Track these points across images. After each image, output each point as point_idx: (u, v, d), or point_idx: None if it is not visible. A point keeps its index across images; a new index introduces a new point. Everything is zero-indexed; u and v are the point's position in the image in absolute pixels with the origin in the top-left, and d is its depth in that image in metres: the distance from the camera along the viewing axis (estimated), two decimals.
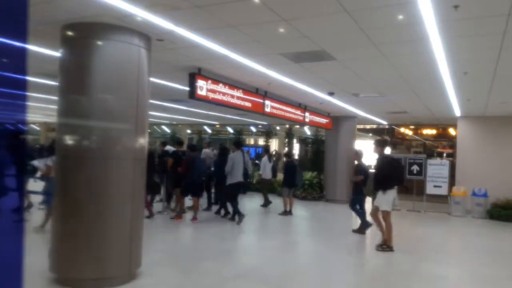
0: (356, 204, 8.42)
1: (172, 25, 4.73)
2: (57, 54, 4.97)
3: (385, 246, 6.94)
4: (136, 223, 4.92)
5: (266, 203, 11.58)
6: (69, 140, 4.65)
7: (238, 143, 9.57)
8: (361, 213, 8.42)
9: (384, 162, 7.09)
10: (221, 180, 9.27)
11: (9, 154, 7.70)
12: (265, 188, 11.93)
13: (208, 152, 10.75)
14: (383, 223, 7.09)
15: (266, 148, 12.82)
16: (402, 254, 6.93)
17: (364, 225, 8.30)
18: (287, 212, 10.32)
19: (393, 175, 6.96)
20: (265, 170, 11.53)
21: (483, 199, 11.32)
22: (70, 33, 4.70)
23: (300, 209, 11.32)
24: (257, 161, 13.49)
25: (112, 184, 4.66)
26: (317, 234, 8.63)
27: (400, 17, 4.26)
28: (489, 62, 5.90)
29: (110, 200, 4.65)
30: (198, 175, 8.85)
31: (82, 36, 4.71)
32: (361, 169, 8.36)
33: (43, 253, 4.85)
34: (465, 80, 7.07)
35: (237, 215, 8.90)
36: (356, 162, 8.37)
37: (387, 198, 6.94)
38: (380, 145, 7.33)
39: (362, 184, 8.31)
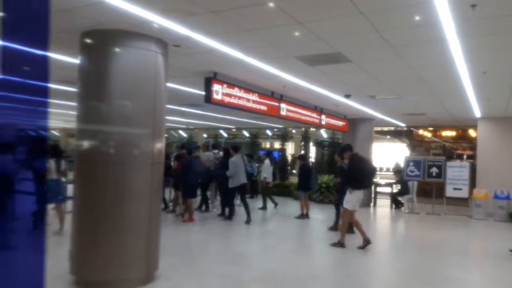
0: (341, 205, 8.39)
1: (188, 31, 4.79)
2: (76, 61, 5.09)
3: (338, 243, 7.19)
4: (153, 226, 4.98)
5: (264, 206, 11.59)
6: (88, 145, 4.75)
7: (236, 148, 9.89)
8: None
9: (354, 164, 7.22)
10: (224, 182, 9.61)
11: (30, 159, 7.87)
12: (265, 191, 11.86)
13: (208, 155, 10.80)
14: (359, 223, 7.25)
15: (267, 152, 12.82)
16: (423, 258, 6.82)
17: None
18: (303, 216, 10.28)
19: (361, 177, 7.09)
20: (267, 173, 11.53)
21: (506, 202, 11.06)
22: (88, 40, 4.80)
23: (317, 213, 11.26)
24: (256, 164, 13.45)
25: (130, 188, 4.73)
26: (333, 237, 8.56)
27: (416, 17, 4.23)
28: (508, 61, 5.80)
29: (128, 204, 4.72)
30: (194, 177, 9.18)
31: (100, 43, 4.80)
32: (341, 170, 8.34)
33: (63, 256, 4.94)
34: (484, 80, 6.94)
35: (247, 216, 9.28)
36: (339, 164, 8.42)
37: (353, 198, 7.09)
38: (343, 151, 7.66)
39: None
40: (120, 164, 4.69)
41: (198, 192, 10.19)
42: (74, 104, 5.03)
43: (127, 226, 4.72)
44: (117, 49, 4.75)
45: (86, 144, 4.76)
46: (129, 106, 4.75)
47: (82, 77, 4.90)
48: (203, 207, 10.90)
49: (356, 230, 7.38)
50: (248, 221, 9.20)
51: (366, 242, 7.08)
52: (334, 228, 8.68)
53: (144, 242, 4.84)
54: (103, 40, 4.79)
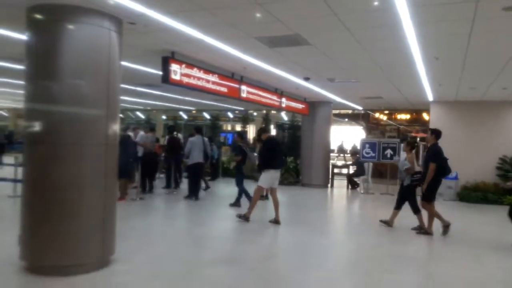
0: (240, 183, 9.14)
1: (144, 8, 4.63)
2: (23, 37, 4.79)
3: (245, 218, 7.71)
4: (108, 209, 4.86)
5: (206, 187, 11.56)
6: (37, 126, 4.52)
7: (198, 129, 10.47)
8: (240, 191, 9.15)
9: (266, 145, 7.81)
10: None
11: None
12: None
13: (150, 136, 10.67)
14: (276, 199, 7.87)
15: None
16: (375, 236, 7.11)
17: (238, 200, 9.26)
18: (263, 197, 10.38)
19: (273, 157, 7.65)
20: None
21: (454, 182, 11.70)
22: (37, 15, 4.52)
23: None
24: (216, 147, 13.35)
25: (83, 170, 4.57)
26: (294, 218, 8.74)
27: (374, 2, 4.28)
28: (459, 48, 6.03)
29: (81, 187, 4.57)
30: (125, 158, 8.75)
31: (50, 19, 4.53)
32: (240, 150, 9.02)
33: (11, 241, 4.74)
34: (436, 65, 7.21)
35: (193, 195, 9.82)
36: (237, 144, 9.17)
37: (266, 176, 7.62)
38: (261, 133, 8.26)
39: (242, 164, 9.04)
40: (72, 145, 4.52)
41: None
42: (22, 83, 4.76)
43: (80, 210, 4.57)
44: (67, 25, 4.50)
45: (35, 125, 4.53)
46: (81, 85, 4.54)
47: (29, 54, 4.62)
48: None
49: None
50: (188, 197, 9.80)
51: (276, 221, 7.68)
52: (235, 204, 9.21)
53: (99, 226, 4.73)
54: (52, 16, 4.52)
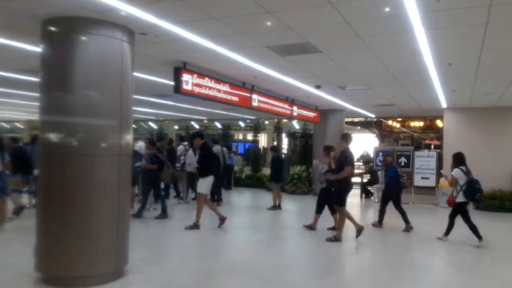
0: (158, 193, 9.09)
1: (155, 18, 4.67)
2: (38, 49, 4.87)
3: (193, 225, 7.67)
4: (122, 220, 4.86)
5: (179, 195, 11.43)
6: (52, 137, 4.57)
7: (215, 140, 11.30)
8: (161, 200, 8.90)
9: (204, 151, 7.97)
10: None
11: None
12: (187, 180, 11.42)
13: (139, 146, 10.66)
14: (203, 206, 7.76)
15: (191, 141, 12.29)
16: (390, 245, 6.99)
17: (164, 212, 8.75)
18: (276, 207, 10.34)
19: (212, 162, 7.89)
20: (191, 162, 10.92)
21: None
22: (51, 28, 4.60)
23: (289, 204, 11.34)
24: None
25: (97, 181, 4.59)
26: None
27: (384, 9, 4.26)
28: (472, 53, 5.95)
29: (95, 197, 4.59)
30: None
31: (64, 31, 4.61)
32: (156, 159, 8.90)
33: (27, 253, 4.77)
34: (450, 71, 7.12)
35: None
36: (149, 152, 9.17)
37: (206, 182, 7.67)
38: (195, 137, 8.40)
39: (159, 172, 8.95)
40: (86, 156, 4.55)
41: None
42: (37, 95, 4.82)
43: (94, 220, 4.59)
44: (81, 37, 4.57)
45: (50, 136, 4.58)
46: (95, 96, 4.59)
47: (44, 66, 4.70)
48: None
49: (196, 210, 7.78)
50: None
51: (222, 220, 7.76)
52: (161, 216, 8.66)
53: (113, 237, 4.73)
54: (66, 28, 4.60)
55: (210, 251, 6.39)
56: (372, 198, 13.16)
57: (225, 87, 7.79)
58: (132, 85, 5.02)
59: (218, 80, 7.55)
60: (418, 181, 12.50)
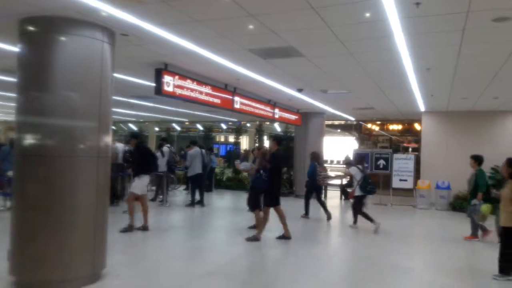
0: None
1: (137, 20, 4.62)
2: (15, 49, 4.75)
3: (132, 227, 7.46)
4: (100, 223, 4.78)
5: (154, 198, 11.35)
6: (28, 139, 4.46)
7: (195, 141, 11.51)
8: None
9: (138, 151, 7.89)
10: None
11: None
12: (157, 182, 11.42)
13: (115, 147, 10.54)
14: (141, 207, 7.62)
15: (160, 143, 12.30)
16: (370, 247, 7.08)
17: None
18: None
19: (146, 163, 7.73)
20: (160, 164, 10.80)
21: (446, 192, 11.74)
22: (29, 27, 4.50)
23: None
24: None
25: (74, 183, 4.51)
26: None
27: (365, 14, 4.33)
28: (450, 58, 6.09)
29: (72, 200, 4.50)
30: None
31: (42, 31, 4.51)
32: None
33: (2, 255, 4.64)
34: (428, 76, 7.28)
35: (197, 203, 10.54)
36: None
37: (140, 182, 7.55)
38: (129, 139, 8.46)
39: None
40: (64, 158, 4.46)
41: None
42: (14, 95, 4.70)
43: (71, 223, 4.50)
44: (59, 37, 4.48)
45: (26, 137, 4.47)
46: (73, 97, 4.51)
47: (21, 66, 4.58)
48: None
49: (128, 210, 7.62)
50: (191, 205, 10.51)
51: (131, 227, 7.40)
52: None
53: (90, 239, 4.65)
54: (45, 28, 4.50)
55: (189, 254, 6.34)
56: (351, 199, 13.29)
57: (207, 89, 7.77)
58: (112, 86, 4.95)
59: (200, 82, 7.52)
60: (396, 183, 12.72)
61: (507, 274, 5.34)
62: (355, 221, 8.67)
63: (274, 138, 7.61)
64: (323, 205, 9.53)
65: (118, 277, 4.92)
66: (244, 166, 8.40)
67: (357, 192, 8.51)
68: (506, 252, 5.36)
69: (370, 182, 8.49)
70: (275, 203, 7.19)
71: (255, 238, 7.04)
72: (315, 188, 9.63)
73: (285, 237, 7.19)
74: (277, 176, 7.19)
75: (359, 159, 9.42)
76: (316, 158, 9.75)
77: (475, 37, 5.02)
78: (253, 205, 7.20)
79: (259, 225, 7.19)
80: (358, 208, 8.54)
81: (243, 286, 4.95)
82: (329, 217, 9.33)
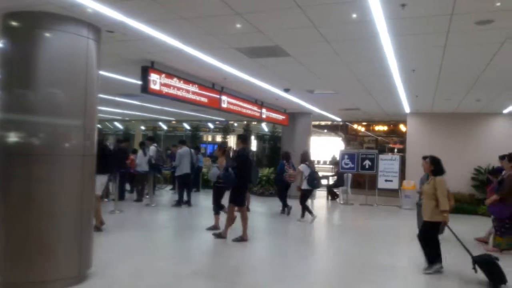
0: None
1: (123, 16, 4.59)
2: None
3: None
4: (85, 222, 4.73)
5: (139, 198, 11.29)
6: (12, 137, 4.38)
7: (183, 141, 11.56)
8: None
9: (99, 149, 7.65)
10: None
11: None
12: (140, 181, 11.44)
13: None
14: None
15: (142, 142, 12.14)
16: (355, 246, 7.14)
17: None
18: (283, 212, 10.33)
19: (105, 162, 7.33)
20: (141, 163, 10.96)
21: None
22: (12, 22, 4.42)
23: (257, 205, 11.37)
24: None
25: (59, 182, 4.45)
26: (273, 228, 8.70)
27: (352, 14, 4.36)
28: (434, 60, 6.18)
29: (57, 199, 4.44)
30: None
31: (26, 26, 4.44)
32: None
33: None
34: (413, 77, 7.37)
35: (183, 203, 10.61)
36: None
37: (97, 183, 7.25)
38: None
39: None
40: (48, 156, 4.39)
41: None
42: None
43: (56, 222, 4.44)
44: (44, 33, 4.42)
45: (10, 135, 4.39)
46: (58, 94, 4.45)
47: (5, 62, 4.50)
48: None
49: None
50: (177, 205, 10.49)
51: (101, 224, 7.37)
52: None
53: (76, 239, 4.59)
54: (29, 23, 4.44)
55: (176, 254, 6.31)
56: (337, 200, 13.40)
57: (194, 88, 7.74)
58: (98, 84, 4.90)
59: (187, 81, 7.49)
60: (382, 184, 12.84)
61: (435, 264, 5.63)
62: (302, 215, 9.31)
63: (239, 137, 7.54)
64: (284, 201, 10.13)
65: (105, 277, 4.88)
66: (212, 176, 7.87)
67: (304, 186, 9.23)
68: (428, 244, 5.72)
69: (316, 178, 9.28)
70: (240, 203, 7.08)
71: (220, 235, 7.13)
72: (282, 184, 10.27)
73: (242, 239, 7.06)
74: (243, 175, 7.02)
75: (305, 155, 9.93)
76: (287, 158, 10.46)
77: (459, 40, 5.10)
78: (237, 203, 7.08)
79: (229, 221, 7.17)
80: (302, 201, 9.21)
81: (231, 286, 4.95)
82: (287, 213, 9.96)
